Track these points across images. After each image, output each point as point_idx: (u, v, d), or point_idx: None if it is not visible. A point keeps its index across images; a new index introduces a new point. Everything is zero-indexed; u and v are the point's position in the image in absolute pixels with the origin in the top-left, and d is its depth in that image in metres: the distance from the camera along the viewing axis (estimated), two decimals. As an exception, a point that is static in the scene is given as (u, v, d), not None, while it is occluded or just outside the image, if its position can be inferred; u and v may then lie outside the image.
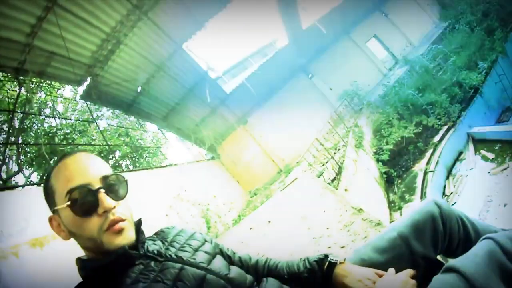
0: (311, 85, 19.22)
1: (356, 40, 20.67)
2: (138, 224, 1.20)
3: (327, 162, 9.89)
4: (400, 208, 8.94)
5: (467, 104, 11.43)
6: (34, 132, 16.43)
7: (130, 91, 10.98)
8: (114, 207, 1.04)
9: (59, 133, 16.55)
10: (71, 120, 17.12)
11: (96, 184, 1.04)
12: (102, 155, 17.10)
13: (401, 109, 12.67)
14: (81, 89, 9.75)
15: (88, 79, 9.25)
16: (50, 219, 1.10)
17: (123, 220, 1.06)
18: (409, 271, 1.09)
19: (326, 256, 1.30)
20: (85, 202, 1.01)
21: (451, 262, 0.98)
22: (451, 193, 9.27)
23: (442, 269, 0.98)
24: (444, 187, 9.79)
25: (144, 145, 21.37)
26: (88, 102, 10.88)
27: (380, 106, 13.98)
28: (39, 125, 16.79)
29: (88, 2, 7.26)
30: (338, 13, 18.24)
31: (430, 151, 10.57)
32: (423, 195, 8.85)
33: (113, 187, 1.09)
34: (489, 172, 8.98)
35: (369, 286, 1.12)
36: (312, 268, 1.29)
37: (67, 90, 18.34)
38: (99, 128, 16.23)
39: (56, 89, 16.78)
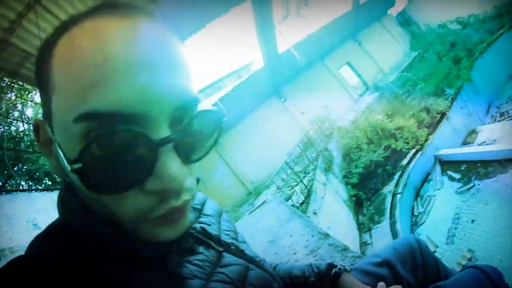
0: (283, 108, 19.31)
1: (330, 67, 21.12)
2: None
3: (296, 186, 9.91)
4: (369, 230, 9.08)
5: (434, 128, 11.85)
6: (-1, 134, 15.37)
7: None
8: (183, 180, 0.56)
9: (26, 139, 15.68)
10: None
11: (163, 125, 0.53)
12: None
13: (371, 134, 12.88)
14: None
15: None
16: (37, 126, 0.61)
17: (188, 202, 0.61)
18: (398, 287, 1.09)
19: (332, 263, 1.24)
20: (121, 167, 0.51)
21: (440, 283, 1.02)
22: (420, 213, 9.52)
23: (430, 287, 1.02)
24: (413, 207, 10.04)
25: None
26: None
27: (350, 130, 14.21)
28: (6, 127, 15.92)
29: (70, 6, 7.10)
30: (314, 40, 18.61)
31: (399, 173, 10.80)
32: (392, 216, 9.01)
33: (194, 136, 0.60)
34: (456, 191, 9.33)
35: None
36: (321, 272, 1.20)
37: (39, 95, 17.73)
38: (68, 137, 15.14)
39: (27, 92, 15.94)
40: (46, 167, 15.24)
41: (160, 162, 0.52)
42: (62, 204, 0.65)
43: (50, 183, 16.20)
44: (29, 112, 17.46)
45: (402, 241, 1.31)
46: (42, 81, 0.55)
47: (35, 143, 15.23)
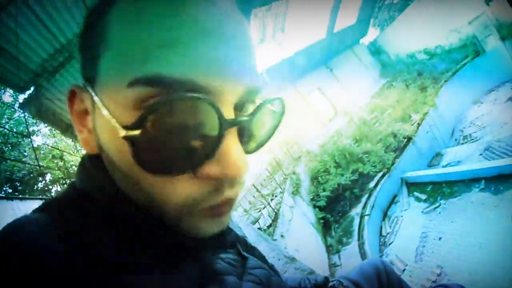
0: (253, 130, 19.34)
1: (301, 91, 21.38)
2: None
3: (263, 208, 9.86)
4: (338, 251, 9.11)
5: (400, 152, 12.16)
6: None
7: None
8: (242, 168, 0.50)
9: None
10: (5, 129, 15.12)
11: (229, 106, 0.48)
12: (31, 175, 15.63)
13: (339, 158, 13.10)
14: (22, 97, 9.09)
15: (32, 88, 8.69)
16: (73, 93, 0.54)
17: (234, 200, 0.56)
18: None
19: (328, 277, 1.25)
20: (182, 144, 0.46)
21: None
22: (388, 233, 9.64)
23: None
24: (381, 228, 10.16)
25: None
26: (26, 113, 10.11)
27: (319, 154, 14.37)
28: None
29: (52, 6, 6.92)
30: (286, 65, 18.93)
31: (366, 196, 10.94)
32: (360, 237, 9.08)
33: (259, 123, 0.57)
34: (422, 211, 9.57)
35: None
36: (318, 284, 1.19)
37: (7, 94, 16.74)
38: (32, 144, 14.56)
39: None
40: (7, 173, 14.56)
41: (225, 145, 0.46)
42: (81, 171, 0.58)
43: (10, 191, 15.40)
44: None
45: (368, 262, 1.36)
46: (91, 40, 0.49)
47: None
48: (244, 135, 0.52)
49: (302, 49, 19.45)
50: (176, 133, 0.43)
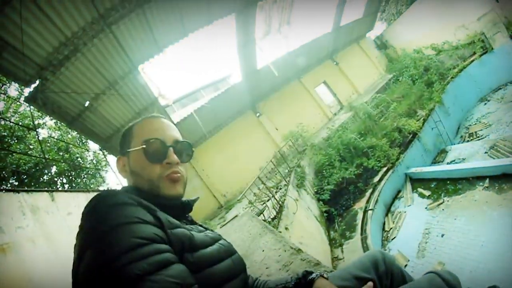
0: (258, 123, 19.30)
1: (306, 85, 21.34)
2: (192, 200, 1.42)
3: (268, 201, 9.87)
4: (341, 245, 9.14)
5: (405, 147, 12.14)
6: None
7: (78, 104, 10.29)
8: (178, 163, 1.25)
9: None
10: (11, 122, 15.20)
11: (169, 143, 1.27)
12: (37, 168, 15.74)
13: (343, 152, 13.10)
14: (28, 91, 9.07)
15: (37, 82, 8.67)
16: (118, 159, 1.31)
17: (181, 175, 1.27)
18: (371, 283, 1.25)
19: (310, 271, 1.40)
20: (157, 151, 1.22)
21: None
22: (391, 228, 9.65)
23: None
24: (384, 223, 10.17)
25: (83, 164, 19.61)
26: (32, 107, 10.11)
27: (323, 148, 14.34)
28: None
29: (58, 2, 6.96)
30: (292, 58, 18.83)
31: (370, 190, 10.98)
32: (363, 232, 9.10)
33: (181, 150, 1.31)
34: (426, 208, 9.55)
35: None
36: (299, 278, 1.39)
37: (13, 88, 16.71)
38: (38, 137, 14.64)
39: (1, 84, 15.16)
40: (14, 166, 14.60)
41: (168, 153, 1.22)
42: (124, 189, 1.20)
43: (16, 183, 15.48)
44: (0, 106, 16.36)
45: (367, 253, 1.51)
46: (128, 138, 1.27)
47: (5, 140, 14.91)
48: (178, 151, 1.26)
49: (308, 42, 19.33)
50: (155, 148, 1.20)
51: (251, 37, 13.88)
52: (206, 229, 1.38)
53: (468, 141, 12.83)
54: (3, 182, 15.09)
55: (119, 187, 1.36)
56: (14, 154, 14.53)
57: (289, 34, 17.25)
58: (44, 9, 6.94)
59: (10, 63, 7.57)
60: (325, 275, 1.33)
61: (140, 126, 1.30)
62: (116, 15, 8.44)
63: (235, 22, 12.36)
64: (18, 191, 6.15)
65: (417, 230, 8.88)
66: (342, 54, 23.14)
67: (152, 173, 1.20)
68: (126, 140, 1.30)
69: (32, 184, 15.63)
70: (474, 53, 17.50)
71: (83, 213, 0.96)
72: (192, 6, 9.96)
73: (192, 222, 1.39)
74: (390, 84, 19.75)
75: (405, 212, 9.99)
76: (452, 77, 15.68)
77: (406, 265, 7.87)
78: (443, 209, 9.06)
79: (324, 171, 12.82)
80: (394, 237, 9.22)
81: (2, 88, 15.40)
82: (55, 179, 17.83)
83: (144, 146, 1.21)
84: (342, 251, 8.84)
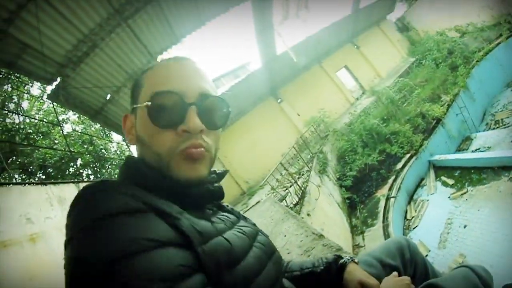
0: (279, 109, 19.32)
1: (327, 69, 21.12)
2: (220, 173, 1.14)
3: (290, 187, 9.85)
4: (362, 232, 9.09)
5: (429, 134, 11.87)
6: (-6, 126, 15.15)
7: (99, 98, 10.54)
8: (201, 131, 0.88)
9: (21, 132, 15.50)
10: (35, 119, 16.05)
11: (191, 98, 0.88)
12: (63, 161, 16.39)
13: (366, 137, 12.95)
14: (49, 89, 9.33)
15: (58, 79, 8.88)
16: (125, 117, 1.00)
17: (205, 150, 0.89)
18: (396, 273, 1.16)
19: (340, 255, 1.32)
20: (169, 110, 0.86)
21: (432, 280, 1.12)
22: (413, 217, 9.54)
23: (423, 285, 1.11)
24: (406, 211, 10.06)
25: (107, 155, 20.56)
26: (54, 103, 10.38)
27: (346, 133, 14.22)
28: (1, 119, 15.45)
29: (71, 0, 7.09)
30: (312, 42, 18.60)
31: (393, 177, 10.80)
32: (385, 219, 9.02)
33: (209, 110, 0.92)
34: (449, 197, 9.37)
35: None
36: (328, 261, 1.29)
37: (35, 87, 17.30)
38: (63, 132, 15.03)
39: (24, 84, 15.75)
40: (40, 160, 15.14)
41: (188, 115, 0.86)
42: (129, 163, 0.95)
43: (44, 177, 16.03)
44: (25, 105, 17.17)
45: (392, 239, 1.45)
46: (136, 90, 0.95)
47: (31, 136, 15.41)
48: (201, 113, 0.89)
49: (327, 26, 19.05)
50: (166, 107, 0.86)
51: (268, 23, 13.76)
52: (238, 217, 1.13)
53: (494, 128, 12.34)
54: (31, 176, 15.73)
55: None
56: (40, 149, 15.05)
57: (307, 18, 16.98)
58: (59, 9, 7.08)
59: (31, 63, 7.86)
60: (355, 260, 1.27)
61: (152, 72, 0.94)
62: (131, 9, 8.54)
63: (252, 8, 12.24)
64: (45, 184, 6.42)
65: (439, 220, 8.72)
66: (362, 37, 22.75)
67: (161, 145, 0.86)
68: (135, 92, 0.96)
69: (59, 176, 16.20)
70: (500, 35, 16.78)
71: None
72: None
73: (220, 207, 1.12)
74: (413, 67, 19.29)
75: (427, 200, 9.83)
76: (477, 61, 15.07)
77: (426, 255, 7.76)
78: (466, 199, 8.83)
79: (346, 157, 12.78)
80: (416, 226, 9.11)
81: (25, 88, 15.87)
82: (81, 170, 18.67)
83: (149, 103, 0.85)
84: (363, 239, 8.81)
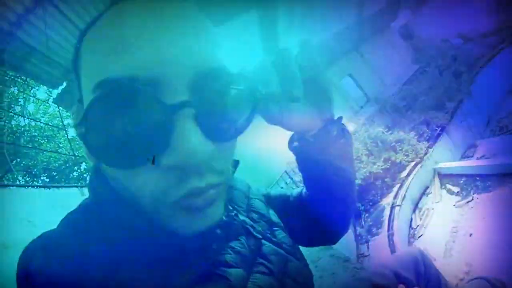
0: (283, 117, 19.29)
1: (331, 78, 21.11)
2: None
3: (296, 195, 9.84)
4: (367, 241, 9.06)
5: (434, 141, 11.83)
6: (-1, 127, 15.52)
7: None
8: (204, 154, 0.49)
9: (26, 134, 15.75)
10: (41, 122, 16.42)
11: (179, 91, 0.48)
12: (67, 165, 16.57)
13: (370, 146, 12.82)
14: (55, 92, 9.48)
15: (64, 83, 9.00)
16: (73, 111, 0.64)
17: (215, 186, 0.55)
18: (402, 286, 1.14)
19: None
20: (127, 127, 0.46)
21: None
22: (418, 225, 9.47)
23: None
24: (411, 220, 9.99)
25: None
26: (60, 107, 10.52)
27: (350, 142, 14.22)
28: (7, 121, 15.67)
29: (78, 4, 7.10)
30: (316, 51, 18.63)
31: (398, 186, 10.73)
32: (390, 228, 8.97)
33: (216, 106, 0.52)
34: (454, 205, 9.30)
35: None
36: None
37: (41, 91, 17.55)
38: (67, 136, 15.02)
39: (30, 88, 15.85)
40: (44, 163, 15.30)
41: (179, 130, 0.46)
42: (91, 188, 0.63)
43: (47, 180, 16.16)
44: (31, 108, 17.50)
45: (407, 251, 1.45)
46: (75, 67, 0.57)
47: (35, 139, 15.58)
48: (203, 118, 0.49)
49: (331, 35, 19.08)
50: (120, 125, 0.45)
51: (274, 30, 13.80)
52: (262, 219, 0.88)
53: (498, 135, 12.32)
54: (35, 178, 15.89)
55: None
56: (44, 152, 15.17)
57: (312, 27, 17.01)
58: (66, 14, 7.14)
59: (38, 67, 7.97)
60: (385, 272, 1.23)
61: (94, 34, 0.54)
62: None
63: (257, 16, 12.31)
64: (49, 187, 6.41)
65: (444, 228, 8.63)
66: (366, 45, 22.72)
67: (134, 188, 0.52)
68: (75, 73, 0.59)
69: (62, 180, 16.28)
70: (503, 40, 16.81)
71: None
72: (212, 1, 9.99)
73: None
74: (417, 75, 19.34)
75: (433, 209, 9.76)
76: (481, 67, 15.13)
77: (433, 265, 7.71)
78: (472, 207, 8.76)
79: (351, 165, 12.69)
80: (421, 235, 9.05)
81: (32, 91, 16.04)
82: (84, 175, 18.64)
83: (81, 129, 0.48)
84: (368, 248, 8.78)
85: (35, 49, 7.49)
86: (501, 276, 5.92)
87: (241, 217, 0.80)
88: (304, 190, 1.15)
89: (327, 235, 1.16)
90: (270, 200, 1.12)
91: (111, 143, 0.46)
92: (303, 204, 1.12)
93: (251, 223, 0.82)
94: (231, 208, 0.81)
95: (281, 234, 0.88)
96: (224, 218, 0.70)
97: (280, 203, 1.13)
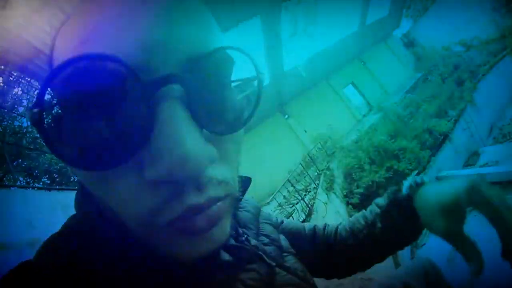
0: (286, 125, 19.32)
1: (334, 86, 21.15)
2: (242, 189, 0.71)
3: (297, 203, 9.79)
4: (373, 252, 8.96)
5: (436, 149, 11.77)
6: (2, 128, 15.39)
7: None
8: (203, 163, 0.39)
9: (28, 135, 15.73)
10: None
11: (169, 76, 0.38)
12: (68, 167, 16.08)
13: (373, 154, 12.80)
14: None
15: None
16: None
17: (219, 201, 0.43)
18: None
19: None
20: (100, 119, 0.36)
21: None
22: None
23: None
24: (414, 228, 9.91)
25: None
26: (62, 110, 10.57)
27: (353, 150, 14.11)
28: (9, 122, 15.82)
29: None
30: (319, 59, 18.67)
31: (400, 195, 10.65)
32: (391, 236, 8.89)
33: (211, 88, 0.44)
34: (457, 213, 9.16)
35: None
36: (396, 198, 0.98)
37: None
38: (70, 137, 15.05)
39: (34, 89, 15.45)
40: (46, 165, 15.29)
41: (160, 121, 0.35)
42: (76, 203, 0.55)
43: (48, 182, 16.15)
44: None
45: (418, 261, 1.34)
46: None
47: (38, 141, 15.54)
48: (197, 105, 0.39)
49: (334, 43, 19.15)
50: (85, 116, 0.36)
51: (277, 38, 13.85)
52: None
53: (501, 142, 12.24)
54: (36, 180, 15.89)
55: None
56: (46, 154, 15.18)
57: (315, 35, 17.08)
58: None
59: (41, 69, 7.95)
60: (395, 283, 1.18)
61: (66, 27, 0.45)
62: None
63: (261, 24, 12.34)
64: (49, 189, 6.40)
65: (447, 236, 8.59)
66: (369, 53, 22.82)
67: (124, 212, 0.42)
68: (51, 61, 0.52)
69: (63, 182, 16.25)
70: (506, 47, 16.77)
71: None
72: (216, 8, 10.03)
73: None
74: (419, 83, 19.33)
75: (435, 217, 9.70)
76: (483, 75, 15.08)
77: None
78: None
79: (353, 174, 12.59)
80: (424, 244, 8.95)
81: (35, 93, 16.06)
82: None
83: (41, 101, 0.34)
84: (374, 258, 8.69)
85: (39, 50, 7.47)
86: (503, 285, 5.86)
87: (253, 242, 0.70)
88: (347, 229, 1.20)
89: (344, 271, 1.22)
90: (282, 227, 1.10)
91: (72, 135, 0.37)
92: (329, 240, 1.21)
93: (263, 248, 0.72)
94: (241, 232, 0.71)
95: (292, 260, 0.79)
96: (233, 241, 0.62)
97: (295, 233, 1.15)
